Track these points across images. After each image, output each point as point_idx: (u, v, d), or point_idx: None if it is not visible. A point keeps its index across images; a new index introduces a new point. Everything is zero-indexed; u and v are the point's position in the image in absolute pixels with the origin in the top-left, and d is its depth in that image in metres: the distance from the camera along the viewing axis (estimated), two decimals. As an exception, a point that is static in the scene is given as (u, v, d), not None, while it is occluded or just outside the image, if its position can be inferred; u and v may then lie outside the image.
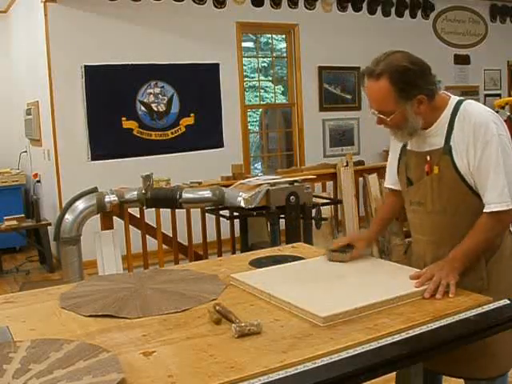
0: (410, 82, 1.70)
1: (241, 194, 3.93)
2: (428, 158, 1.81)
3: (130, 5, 5.76)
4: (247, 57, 7.07)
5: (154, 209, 4.24)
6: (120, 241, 4.11)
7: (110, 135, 5.72)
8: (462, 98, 1.84)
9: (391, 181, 2.07)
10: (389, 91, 1.70)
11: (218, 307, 1.54)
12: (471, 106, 1.79)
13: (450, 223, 1.80)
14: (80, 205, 3.90)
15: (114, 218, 4.17)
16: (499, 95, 8.27)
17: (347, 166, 5.18)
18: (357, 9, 7.10)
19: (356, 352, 1.30)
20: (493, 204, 1.70)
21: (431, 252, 1.84)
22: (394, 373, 1.72)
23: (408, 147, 1.91)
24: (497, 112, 5.56)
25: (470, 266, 1.76)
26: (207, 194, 4.03)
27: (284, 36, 7.01)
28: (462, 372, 1.83)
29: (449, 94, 1.85)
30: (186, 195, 4.00)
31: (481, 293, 1.67)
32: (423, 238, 1.90)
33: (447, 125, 1.77)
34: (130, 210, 4.26)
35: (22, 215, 5.86)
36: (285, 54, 7.01)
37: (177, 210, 4.33)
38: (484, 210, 1.72)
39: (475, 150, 1.70)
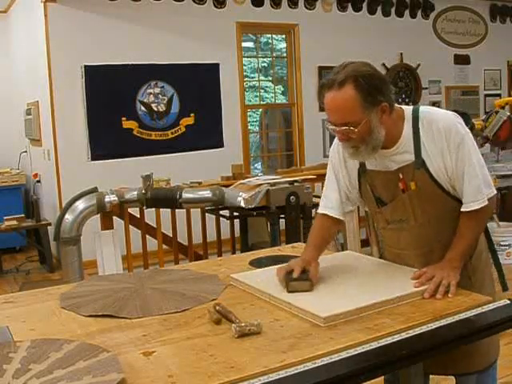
0: (375, 87, 1.62)
1: (241, 194, 3.93)
2: (400, 175, 1.75)
3: (130, 5, 5.76)
4: (247, 57, 7.07)
5: (154, 209, 4.24)
6: (120, 241, 4.11)
7: (110, 135, 5.72)
8: (415, 106, 1.78)
9: (331, 206, 1.92)
10: (354, 98, 1.60)
11: (218, 307, 1.54)
12: (430, 111, 1.75)
13: (436, 232, 1.79)
14: (80, 205, 3.90)
15: (114, 217, 4.17)
16: (499, 95, 8.27)
17: (347, 165, 5.16)
18: (357, 9, 7.10)
19: (356, 352, 1.30)
20: (470, 203, 1.71)
21: (420, 263, 1.80)
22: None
23: (369, 167, 1.82)
24: (496, 112, 5.57)
25: None
26: (207, 193, 4.03)
27: (284, 36, 7.01)
28: (452, 370, 1.84)
29: (400, 106, 1.78)
30: (185, 195, 4.00)
31: (470, 290, 1.68)
32: (407, 252, 1.86)
33: (412, 138, 1.72)
34: (130, 209, 4.26)
35: (22, 215, 5.86)
36: (285, 54, 7.01)
37: (177, 210, 4.33)
38: (462, 209, 1.73)
39: (450, 153, 1.69)
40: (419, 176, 1.73)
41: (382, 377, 1.34)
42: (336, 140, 1.87)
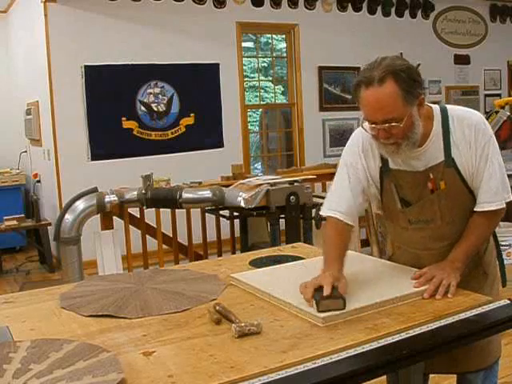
0: (414, 80, 1.59)
1: (241, 193, 3.93)
2: (431, 175, 1.72)
3: (129, 5, 5.76)
4: (247, 57, 7.08)
5: (153, 209, 4.24)
6: (120, 241, 4.11)
7: (109, 135, 5.72)
8: (441, 105, 1.77)
9: (345, 211, 1.76)
10: (396, 94, 1.56)
11: (218, 307, 1.54)
12: (457, 109, 1.75)
13: (459, 230, 1.77)
14: (80, 205, 3.90)
15: (114, 217, 4.18)
16: (499, 95, 8.27)
17: (347, 165, 5.16)
18: (357, 9, 7.10)
19: (356, 352, 1.30)
20: (486, 203, 1.70)
21: (437, 261, 1.76)
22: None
23: (393, 167, 1.77)
24: (496, 112, 5.57)
25: (472, 261, 1.77)
26: (207, 193, 4.03)
27: (284, 36, 7.01)
28: (455, 368, 1.84)
29: (427, 103, 1.74)
30: (185, 195, 4.00)
31: (484, 287, 1.69)
32: (427, 251, 1.84)
33: (441, 136, 1.71)
34: (129, 209, 4.26)
35: (22, 215, 5.87)
36: (285, 54, 7.01)
37: (177, 210, 4.33)
38: (475, 209, 1.72)
39: (476, 151, 1.69)
40: (449, 175, 1.71)
41: (382, 377, 1.33)
42: (355, 137, 1.83)
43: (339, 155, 1.93)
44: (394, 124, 1.58)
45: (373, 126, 1.62)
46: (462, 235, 1.75)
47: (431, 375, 2.01)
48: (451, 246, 1.77)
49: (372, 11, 7.22)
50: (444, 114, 1.72)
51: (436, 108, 1.74)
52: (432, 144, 1.71)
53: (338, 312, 1.47)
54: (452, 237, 1.79)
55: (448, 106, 1.76)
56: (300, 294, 1.61)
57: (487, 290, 1.67)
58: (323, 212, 1.83)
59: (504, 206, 1.70)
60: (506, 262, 1.95)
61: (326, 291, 1.51)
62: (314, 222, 4.14)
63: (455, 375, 1.93)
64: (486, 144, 1.69)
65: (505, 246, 4.63)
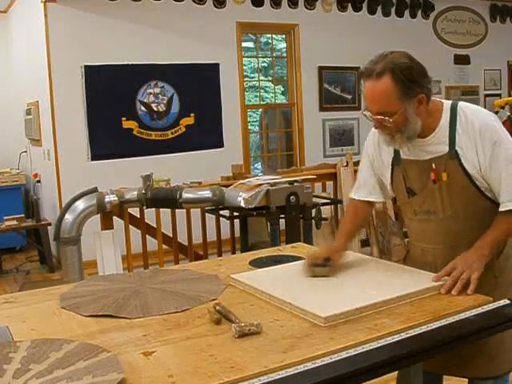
0: (413, 79, 1.65)
1: (241, 193, 3.93)
2: (433, 165, 1.76)
3: (129, 5, 5.76)
4: (247, 57, 7.08)
5: (154, 209, 4.24)
6: (120, 241, 4.11)
7: (110, 135, 5.72)
8: (454, 101, 1.81)
9: (367, 192, 1.99)
10: (392, 89, 1.64)
11: (218, 307, 1.54)
12: (468, 108, 1.77)
13: (465, 227, 1.77)
14: (80, 205, 3.90)
15: (114, 217, 4.18)
16: (499, 95, 8.27)
17: (347, 166, 5.18)
18: (357, 9, 7.10)
19: (356, 352, 1.30)
20: (509, 202, 1.69)
21: (443, 258, 1.78)
22: (395, 372, 1.72)
23: (403, 156, 1.84)
24: (496, 112, 5.57)
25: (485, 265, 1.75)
26: (207, 193, 4.03)
27: (284, 36, 7.01)
28: (466, 372, 1.83)
29: (440, 99, 1.82)
30: (186, 195, 4.00)
31: (494, 290, 1.68)
32: (433, 246, 1.85)
33: (448, 131, 1.74)
34: (129, 209, 4.26)
35: (22, 215, 5.86)
36: (285, 54, 7.01)
37: (177, 210, 4.33)
38: (500, 209, 1.72)
39: (484, 152, 1.69)
40: (451, 167, 1.74)
41: (382, 377, 1.33)
42: (373, 129, 1.91)
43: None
44: (385, 118, 1.68)
45: (369, 114, 1.73)
46: (468, 232, 1.75)
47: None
48: (456, 242, 1.77)
49: (372, 11, 7.22)
50: (453, 109, 1.76)
51: (447, 103, 1.79)
52: (437, 137, 1.76)
53: (339, 311, 1.47)
54: (456, 232, 1.79)
55: (460, 103, 1.79)
56: (300, 293, 1.62)
57: (497, 295, 1.64)
58: (353, 195, 2.04)
59: None
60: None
61: (316, 260, 1.82)
62: (313, 221, 4.14)
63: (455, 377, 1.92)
64: (495, 144, 1.69)
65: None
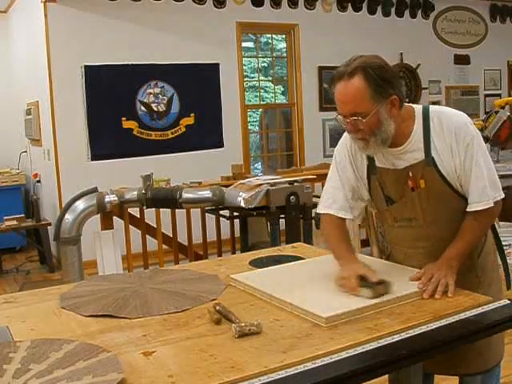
0: (385, 79, 1.63)
1: (241, 193, 3.93)
2: (410, 173, 1.75)
3: (129, 5, 5.76)
4: (247, 57, 7.07)
5: (153, 209, 4.24)
6: (120, 241, 4.11)
7: (110, 135, 5.72)
8: (424, 105, 1.79)
9: (340, 207, 1.86)
10: (364, 89, 1.61)
11: (218, 307, 1.54)
12: (441, 111, 1.76)
13: (446, 231, 1.77)
14: (80, 205, 3.90)
15: (114, 218, 4.17)
16: (499, 95, 8.26)
17: (347, 165, 5.16)
18: (357, 9, 7.09)
19: (356, 352, 1.30)
20: (474, 204, 1.71)
21: (427, 262, 1.75)
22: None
23: (379, 164, 1.81)
24: (496, 112, 5.57)
25: (466, 265, 1.77)
26: (207, 193, 4.03)
27: (284, 36, 7.01)
28: (454, 370, 1.84)
29: (410, 104, 1.79)
30: (185, 195, 4.00)
31: (477, 288, 1.69)
32: (415, 250, 1.85)
33: (422, 137, 1.72)
34: (129, 209, 4.26)
35: (22, 215, 5.86)
36: (285, 54, 7.01)
37: (177, 210, 4.33)
38: (467, 210, 1.73)
39: (459, 152, 1.69)
40: (428, 174, 1.73)
41: (382, 377, 1.33)
42: (345, 136, 1.86)
43: None
44: (358, 118, 1.63)
45: (341, 118, 1.67)
46: (449, 235, 1.75)
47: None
48: (438, 245, 1.77)
49: (372, 11, 7.22)
50: (425, 114, 1.74)
51: (418, 109, 1.77)
52: (412, 144, 1.73)
53: (340, 312, 1.47)
54: (438, 237, 1.79)
55: (431, 107, 1.77)
56: (300, 293, 1.62)
57: (480, 293, 1.66)
58: (319, 210, 1.92)
59: (492, 204, 1.70)
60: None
61: (375, 278, 1.61)
62: (313, 221, 4.14)
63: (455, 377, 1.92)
64: (468, 145, 1.69)
65: (505, 246, 4.63)
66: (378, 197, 1.86)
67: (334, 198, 1.88)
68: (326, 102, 6.96)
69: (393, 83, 1.65)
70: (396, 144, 1.73)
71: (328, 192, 1.92)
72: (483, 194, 1.70)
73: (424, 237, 1.82)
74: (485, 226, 1.80)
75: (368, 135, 1.67)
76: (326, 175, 1.99)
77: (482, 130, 5.30)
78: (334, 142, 7.00)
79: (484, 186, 1.70)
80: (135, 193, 4.00)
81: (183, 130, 6.08)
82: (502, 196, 1.74)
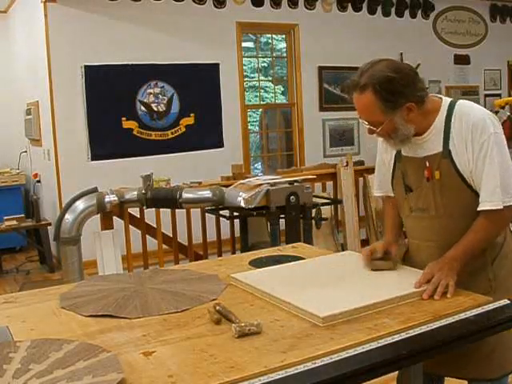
0: (395, 92, 1.66)
1: (241, 193, 3.92)
2: (427, 163, 1.78)
3: (130, 5, 5.76)
4: (247, 57, 7.07)
5: (154, 209, 4.24)
6: (120, 241, 4.11)
7: (110, 135, 5.72)
8: (453, 98, 1.81)
9: (385, 188, 2.02)
10: (374, 103, 1.68)
11: (218, 307, 1.54)
12: (466, 106, 1.77)
13: (459, 226, 1.76)
14: (80, 205, 3.90)
15: (114, 218, 4.17)
16: (499, 95, 8.27)
17: (347, 166, 5.18)
18: (357, 9, 7.10)
19: (356, 352, 1.30)
20: (484, 202, 1.70)
21: (438, 256, 1.76)
22: (395, 372, 1.71)
23: (403, 153, 1.87)
24: (496, 112, 5.57)
25: (476, 268, 1.76)
26: (207, 193, 4.03)
27: (284, 36, 7.01)
28: (464, 373, 1.83)
29: (440, 95, 1.83)
30: (186, 195, 4.00)
31: (489, 293, 1.66)
32: (427, 243, 1.86)
33: (443, 129, 1.75)
34: (130, 209, 4.26)
35: (22, 215, 5.86)
36: (285, 54, 7.01)
37: (177, 210, 4.33)
38: (478, 209, 1.72)
39: (473, 149, 1.70)
40: (444, 166, 1.75)
41: (382, 377, 1.33)
42: None
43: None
44: (372, 127, 1.75)
45: (361, 121, 1.79)
46: (460, 231, 1.74)
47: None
48: (449, 240, 1.76)
49: (372, 11, 7.22)
50: (450, 108, 1.77)
51: (446, 101, 1.80)
52: (433, 134, 1.77)
53: (337, 311, 1.47)
54: (449, 231, 1.78)
55: (458, 102, 1.79)
56: (300, 293, 1.62)
57: (494, 299, 1.63)
58: (376, 193, 2.11)
59: (501, 207, 1.67)
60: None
61: (378, 254, 1.87)
62: (313, 221, 4.14)
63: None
64: (484, 142, 1.69)
65: None
66: (399, 185, 1.91)
67: (383, 182, 2.03)
68: (326, 101, 6.96)
69: (404, 93, 1.68)
70: (419, 133, 1.78)
71: (377, 178, 2.08)
72: (494, 194, 1.68)
73: (435, 229, 1.82)
74: (495, 228, 1.75)
75: (385, 137, 1.79)
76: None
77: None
78: (333, 141, 7.01)
79: (495, 186, 1.68)
80: (135, 193, 4.00)
81: (183, 130, 6.08)
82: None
